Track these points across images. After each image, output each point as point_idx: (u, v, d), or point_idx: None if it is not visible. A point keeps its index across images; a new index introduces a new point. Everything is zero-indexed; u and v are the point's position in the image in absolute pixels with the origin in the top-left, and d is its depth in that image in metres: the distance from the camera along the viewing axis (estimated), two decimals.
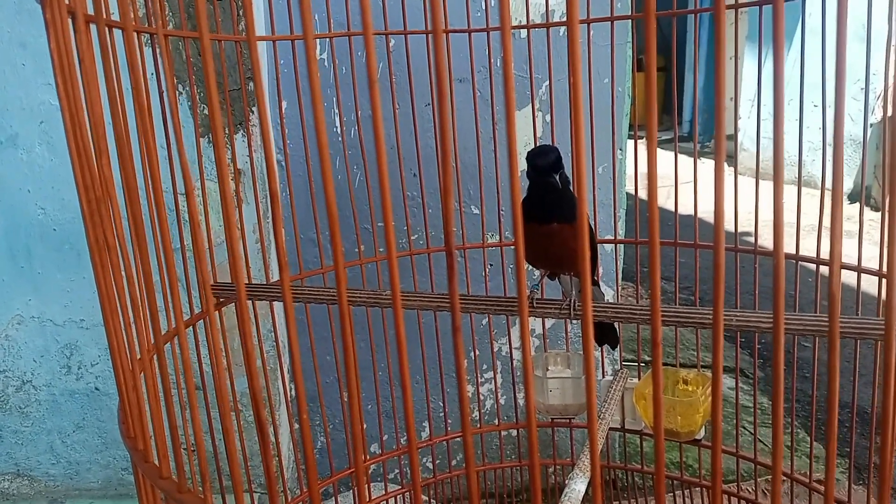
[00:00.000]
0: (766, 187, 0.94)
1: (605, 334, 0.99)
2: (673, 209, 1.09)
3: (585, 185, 0.33)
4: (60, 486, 1.41)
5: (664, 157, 1.33)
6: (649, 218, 0.35)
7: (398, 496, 1.25)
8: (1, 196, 1.28)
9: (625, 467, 1.23)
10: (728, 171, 0.91)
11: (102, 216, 0.49)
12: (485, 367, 1.55)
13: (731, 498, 1.18)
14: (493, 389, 1.56)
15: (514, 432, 1.59)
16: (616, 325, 0.99)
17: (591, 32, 1.32)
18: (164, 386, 0.47)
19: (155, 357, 0.54)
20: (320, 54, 1.39)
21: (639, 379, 1.16)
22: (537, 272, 0.90)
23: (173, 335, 0.70)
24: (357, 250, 1.42)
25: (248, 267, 1.07)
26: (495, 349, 1.53)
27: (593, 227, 0.81)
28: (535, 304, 0.79)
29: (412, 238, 1.42)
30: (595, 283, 0.89)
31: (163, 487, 0.50)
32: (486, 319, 1.50)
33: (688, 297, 2.50)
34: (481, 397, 1.56)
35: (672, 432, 1.09)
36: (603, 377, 1.22)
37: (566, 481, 0.90)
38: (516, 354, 1.50)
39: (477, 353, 1.52)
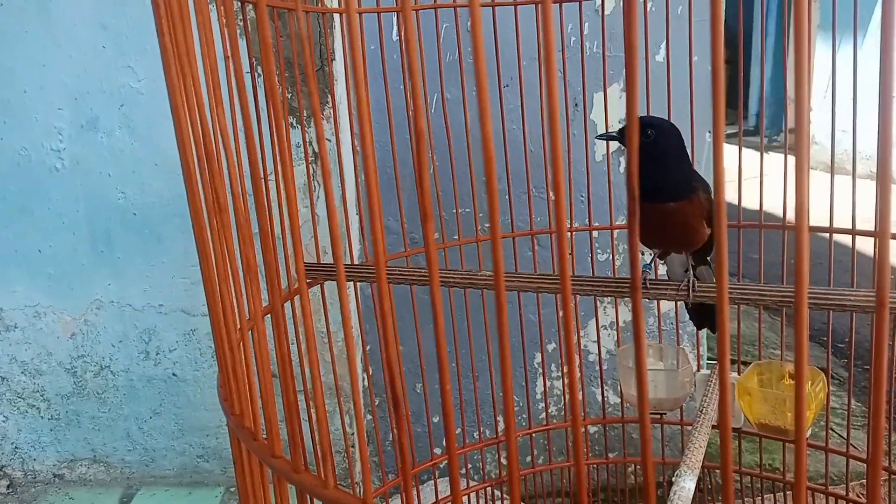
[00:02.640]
0: (843, 181, 0.88)
1: (708, 317, 0.92)
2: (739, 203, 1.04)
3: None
4: (136, 473, 1.41)
5: (729, 151, 1.25)
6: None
7: (478, 491, 1.20)
8: (81, 180, 1.28)
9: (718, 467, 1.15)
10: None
11: (214, 173, 0.45)
12: (560, 361, 1.49)
13: (839, 500, 1.09)
14: (567, 384, 1.49)
15: (592, 429, 1.53)
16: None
17: (684, 7, 1.25)
18: (279, 353, 0.44)
19: (268, 318, 0.50)
20: (397, 33, 1.35)
21: (738, 373, 1.09)
22: (647, 252, 0.84)
23: (294, 294, 0.67)
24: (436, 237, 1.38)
25: (318, 249, 1.04)
26: (573, 342, 1.47)
27: (711, 204, 0.75)
28: (648, 286, 0.73)
29: (486, 225, 1.37)
30: (707, 263, 0.83)
31: (276, 467, 0.46)
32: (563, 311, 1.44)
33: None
34: (558, 392, 1.50)
35: (780, 430, 1.01)
36: (698, 370, 1.15)
37: (673, 479, 0.84)
38: (594, 348, 1.44)
39: (553, 346, 1.46)
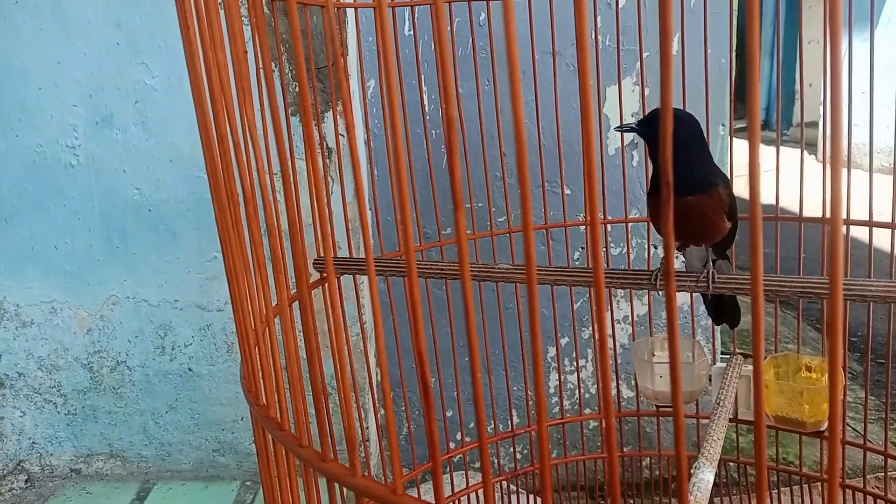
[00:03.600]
0: (858, 176, 0.88)
1: (727, 312, 0.92)
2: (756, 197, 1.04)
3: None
4: (152, 468, 1.42)
5: (739, 145, 1.25)
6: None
7: (493, 484, 1.20)
8: (97, 177, 1.29)
9: (737, 460, 1.15)
10: (808, 159, 0.86)
11: (241, 165, 0.46)
12: (573, 354, 1.49)
13: (856, 493, 1.09)
14: (584, 378, 1.50)
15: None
16: (739, 303, 0.92)
17: (692, 1, 1.25)
18: (307, 345, 0.44)
19: (296, 307, 0.51)
20: (409, 28, 1.35)
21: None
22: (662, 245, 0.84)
23: (314, 286, 0.67)
24: (446, 231, 1.38)
25: (331, 244, 1.04)
26: (585, 337, 1.47)
27: (734, 197, 0.75)
28: None
29: (499, 220, 1.38)
30: (726, 257, 0.83)
31: (304, 457, 0.47)
32: (577, 305, 1.45)
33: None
34: (571, 386, 1.50)
35: (797, 422, 1.01)
36: (714, 364, 1.15)
37: (692, 471, 0.84)
38: (608, 341, 1.44)
39: (566, 340, 1.46)
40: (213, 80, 0.47)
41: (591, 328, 1.44)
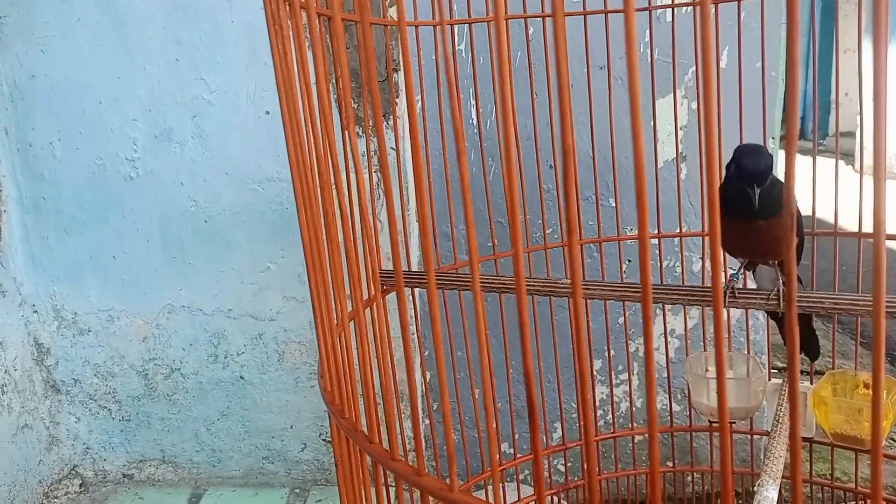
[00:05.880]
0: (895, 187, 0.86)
1: (804, 341, 0.91)
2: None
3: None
4: (203, 474, 1.44)
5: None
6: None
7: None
8: (155, 189, 1.32)
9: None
10: (846, 169, 0.85)
11: (338, 187, 0.47)
12: (620, 367, 1.49)
13: None
14: (628, 392, 1.49)
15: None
16: (816, 331, 0.92)
17: (743, 13, 1.25)
18: (406, 358, 0.45)
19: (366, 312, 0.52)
20: (458, 44, 1.36)
21: (811, 382, 1.08)
22: (737, 262, 0.84)
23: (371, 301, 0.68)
24: (490, 244, 1.39)
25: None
26: (631, 350, 1.46)
27: (801, 214, 0.75)
28: (737, 294, 0.74)
29: (547, 232, 1.38)
30: (798, 279, 0.83)
31: (397, 470, 0.48)
32: (622, 318, 1.44)
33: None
34: (616, 400, 1.50)
35: (855, 440, 1.00)
36: (769, 380, 1.14)
37: (755, 488, 0.84)
38: (654, 355, 1.43)
39: (612, 353, 1.46)
40: (310, 103, 0.48)
41: (639, 340, 1.43)
